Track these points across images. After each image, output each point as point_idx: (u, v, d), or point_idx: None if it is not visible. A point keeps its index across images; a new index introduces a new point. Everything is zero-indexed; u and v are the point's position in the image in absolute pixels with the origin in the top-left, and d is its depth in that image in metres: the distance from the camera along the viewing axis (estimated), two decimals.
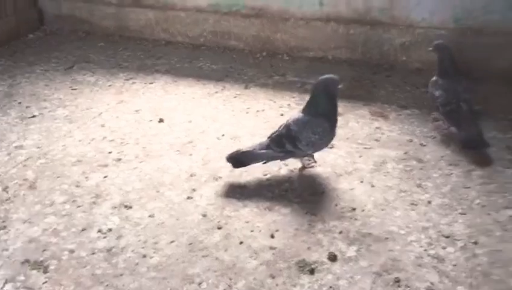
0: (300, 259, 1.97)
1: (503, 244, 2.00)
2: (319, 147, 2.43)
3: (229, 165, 2.44)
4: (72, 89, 3.49)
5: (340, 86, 2.38)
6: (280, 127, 2.45)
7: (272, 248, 2.03)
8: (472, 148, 2.58)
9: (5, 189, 2.42)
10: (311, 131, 2.35)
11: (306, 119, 2.38)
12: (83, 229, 2.16)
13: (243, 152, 2.43)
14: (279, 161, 2.47)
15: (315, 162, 2.54)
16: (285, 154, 2.42)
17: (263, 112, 3.15)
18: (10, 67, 3.86)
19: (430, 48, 2.96)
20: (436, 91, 2.79)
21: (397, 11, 3.53)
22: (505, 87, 3.20)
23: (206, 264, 1.96)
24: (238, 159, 2.43)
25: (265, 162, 2.43)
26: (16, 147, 2.78)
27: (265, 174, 2.50)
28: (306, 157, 2.52)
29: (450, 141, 2.72)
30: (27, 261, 1.98)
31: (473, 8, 3.31)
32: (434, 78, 2.87)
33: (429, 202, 2.27)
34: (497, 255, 1.95)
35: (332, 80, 2.39)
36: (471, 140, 2.58)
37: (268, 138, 2.44)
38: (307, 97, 2.48)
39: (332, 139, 2.43)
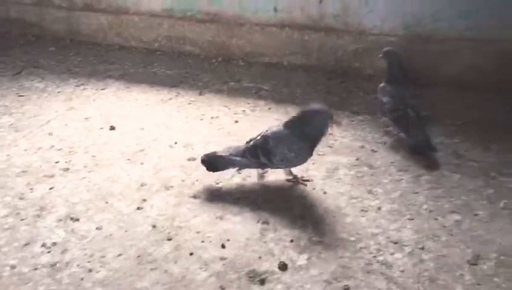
0: (251, 269, 1.95)
1: (449, 249, 2.04)
2: (292, 164, 2.38)
3: (202, 167, 2.40)
4: (19, 96, 3.37)
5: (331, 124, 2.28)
6: (259, 135, 2.37)
7: (222, 259, 2.01)
8: (420, 154, 2.64)
9: None
10: (287, 148, 2.28)
11: (284, 134, 2.30)
12: (26, 244, 2.07)
13: (219, 156, 2.37)
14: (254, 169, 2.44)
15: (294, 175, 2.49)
16: (258, 165, 2.37)
17: (217, 118, 3.12)
18: None
19: (380, 55, 3.01)
20: (384, 97, 2.85)
21: (350, 18, 3.57)
22: (453, 94, 3.29)
23: (154, 277, 1.92)
24: (213, 163, 2.38)
25: (239, 170, 2.40)
26: None
27: (218, 183, 2.47)
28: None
29: (400, 147, 2.77)
30: None
31: (422, 16, 3.39)
32: (382, 85, 2.93)
33: (379, 208, 2.30)
34: (443, 260, 1.99)
35: (325, 116, 2.26)
36: (418, 145, 2.64)
37: (246, 142, 2.39)
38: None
39: (308, 159, 2.37)
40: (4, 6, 4.43)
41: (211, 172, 2.40)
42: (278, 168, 2.43)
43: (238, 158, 2.35)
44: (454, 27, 3.35)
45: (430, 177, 2.51)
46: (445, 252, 2.03)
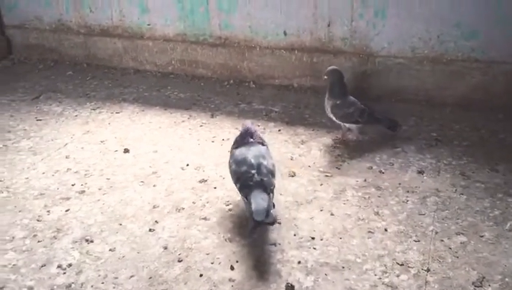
0: None
1: (454, 271, 2.07)
2: None
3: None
4: (38, 120, 3.50)
5: None
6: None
7: (231, 280, 2.06)
8: (397, 126, 3.11)
9: None
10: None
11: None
12: (43, 265, 2.16)
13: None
14: None
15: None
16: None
17: (228, 140, 3.18)
18: None
19: (325, 76, 3.09)
20: (347, 109, 3.01)
21: (358, 40, 3.65)
22: (460, 114, 3.33)
23: None
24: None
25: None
26: None
27: (227, 204, 2.54)
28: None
29: (408, 168, 2.81)
30: None
31: (429, 38, 3.45)
32: (333, 102, 3.02)
33: (385, 230, 2.34)
34: (448, 282, 2.01)
35: None
36: (393, 123, 3.11)
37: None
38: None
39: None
40: (24, 32, 4.61)
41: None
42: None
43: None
44: (461, 48, 3.41)
45: (436, 198, 2.54)
46: (450, 274, 2.05)
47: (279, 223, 2.37)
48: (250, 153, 2.33)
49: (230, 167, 2.39)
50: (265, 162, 2.29)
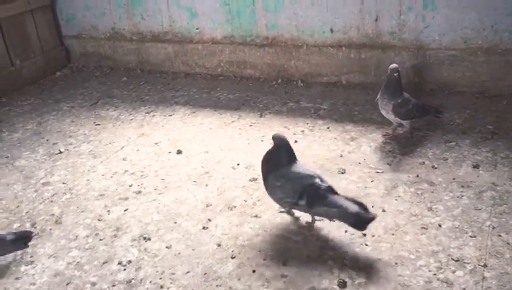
0: (311, 286, 2.03)
1: None
2: None
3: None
4: (96, 124, 3.67)
5: None
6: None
7: (283, 276, 2.10)
8: (441, 112, 3.13)
9: (33, 225, 2.57)
10: None
11: None
12: (105, 262, 2.27)
13: None
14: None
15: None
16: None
17: None
18: (38, 105, 4.09)
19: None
20: (407, 106, 2.95)
21: (407, 34, 3.59)
22: None
23: None
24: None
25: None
26: (43, 183, 2.94)
27: None
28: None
29: (462, 163, 2.74)
30: None
31: (482, 28, 3.34)
32: (395, 102, 2.93)
33: (440, 225, 2.30)
34: (506, 278, 1.95)
35: None
36: (437, 109, 3.13)
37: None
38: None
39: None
40: (81, 42, 4.85)
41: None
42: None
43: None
44: None
45: (493, 193, 2.47)
46: (508, 269, 1.99)
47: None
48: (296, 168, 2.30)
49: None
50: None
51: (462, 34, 3.42)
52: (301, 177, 2.26)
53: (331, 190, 2.22)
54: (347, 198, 2.20)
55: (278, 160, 2.33)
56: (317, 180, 2.23)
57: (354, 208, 2.14)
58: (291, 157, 2.33)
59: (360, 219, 2.12)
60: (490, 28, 3.33)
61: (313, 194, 2.20)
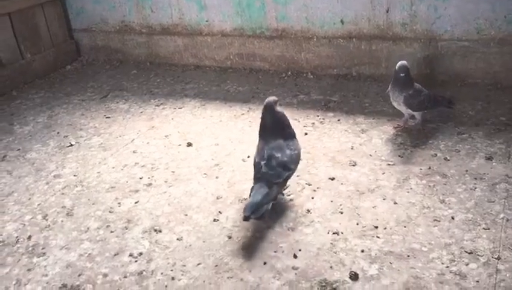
0: (323, 278, 2.02)
1: None
2: None
3: None
4: (107, 117, 3.68)
5: None
6: None
7: (294, 268, 2.09)
8: (452, 102, 3.09)
9: (45, 217, 2.58)
10: None
11: None
12: (116, 254, 2.28)
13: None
14: None
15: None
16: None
17: None
18: (49, 98, 4.11)
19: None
20: (419, 97, 2.93)
21: (418, 25, 3.54)
22: None
23: (231, 285, 2.04)
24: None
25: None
26: (54, 176, 2.96)
27: (288, 194, 2.56)
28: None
29: (475, 154, 2.71)
30: (64, 285, 2.12)
31: (495, 18, 3.29)
32: (406, 93, 2.90)
33: (452, 218, 2.27)
34: None
35: None
36: (449, 99, 3.09)
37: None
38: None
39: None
40: (91, 35, 4.86)
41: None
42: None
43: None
44: None
45: (507, 185, 2.44)
46: None
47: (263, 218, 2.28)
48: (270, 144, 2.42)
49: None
50: (278, 154, 2.35)
51: (475, 24, 3.38)
52: (258, 154, 2.43)
53: (265, 178, 2.30)
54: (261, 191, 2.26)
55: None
56: (263, 162, 2.35)
57: (247, 206, 2.21)
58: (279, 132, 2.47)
59: (246, 218, 2.20)
60: (503, 18, 3.28)
61: (255, 172, 2.38)
